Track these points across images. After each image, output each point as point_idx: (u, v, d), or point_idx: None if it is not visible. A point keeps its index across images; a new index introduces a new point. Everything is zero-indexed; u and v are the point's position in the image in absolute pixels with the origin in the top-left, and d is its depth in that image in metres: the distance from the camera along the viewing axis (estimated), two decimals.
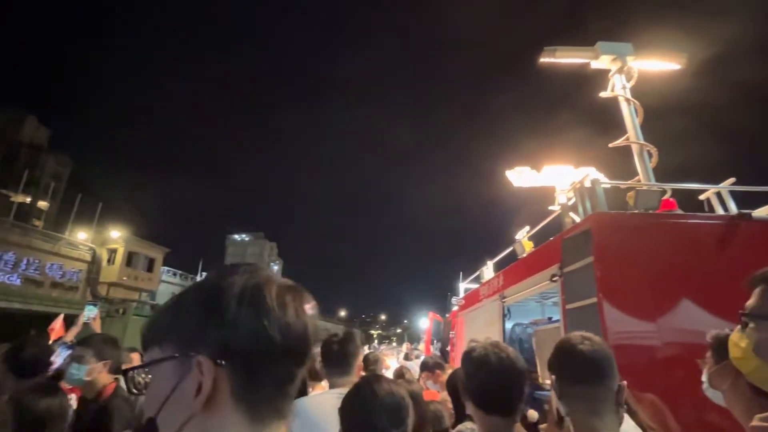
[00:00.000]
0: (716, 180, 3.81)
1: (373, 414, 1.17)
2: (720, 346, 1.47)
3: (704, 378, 1.53)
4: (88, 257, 22.69)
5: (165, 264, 30.10)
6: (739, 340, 0.88)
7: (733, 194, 3.63)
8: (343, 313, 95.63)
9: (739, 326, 0.90)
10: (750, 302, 0.87)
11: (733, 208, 3.53)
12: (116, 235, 24.59)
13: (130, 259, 24.41)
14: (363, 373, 3.91)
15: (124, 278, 23.68)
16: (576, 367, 1.23)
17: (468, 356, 1.41)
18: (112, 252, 23.98)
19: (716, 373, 1.44)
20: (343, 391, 1.83)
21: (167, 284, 32.18)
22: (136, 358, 3.52)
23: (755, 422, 0.98)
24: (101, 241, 24.11)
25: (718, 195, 3.73)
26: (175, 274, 34.22)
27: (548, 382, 2.77)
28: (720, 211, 3.63)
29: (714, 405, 1.53)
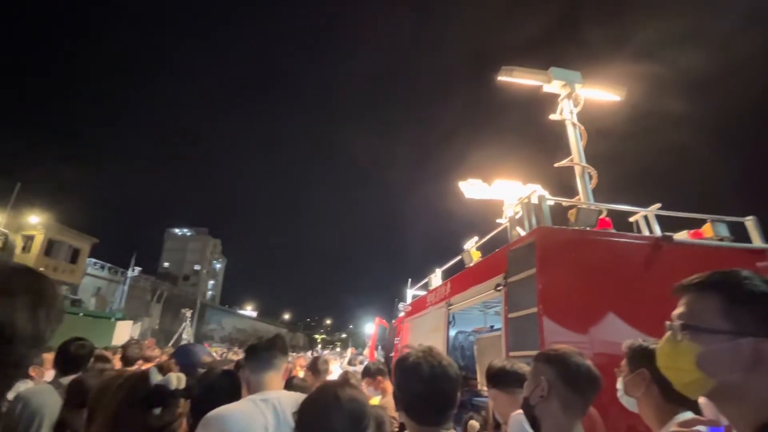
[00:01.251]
0: (645, 204, 4.18)
1: (334, 420, 1.13)
2: (634, 355, 1.54)
3: (619, 386, 1.61)
4: None
5: (92, 255, 27.58)
6: (672, 350, 0.83)
7: (658, 218, 3.99)
8: (287, 316, 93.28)
9: (668, 335, 0.86)
10: (682, 311, 0.83)
11: (657, 230, 3.88)
12: (35, 220, 22.14)
13: (50, 247, 22.05)
14: (301, 376, 3.80)
15: (41, 269, 21.32)
16: (589, 384, 1.36)
17: (400, 365, 1.38)
18: (29, 239, 21.56)
19: (630, 381, 1.53)
20: (264, 395, 1.71)
21: (93, 278, 29.46)
22: (48, 359, 3.13)
23: (674, 428, 1.05)
24: (17, 227, 21.57)
25: (646, 218, 4.08)
26: (103, 267, 31.35)
27: (486, 388, 2.84)
28: (646, 232, 3.97)
29: (632, 412, 1.64)
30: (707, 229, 3.80)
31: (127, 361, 3.97)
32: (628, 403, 1.60)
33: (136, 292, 34.50)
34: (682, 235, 3.81)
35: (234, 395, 1.89)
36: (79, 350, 2.67)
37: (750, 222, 3.85)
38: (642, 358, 1.51)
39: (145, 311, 35.17)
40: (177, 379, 1.64)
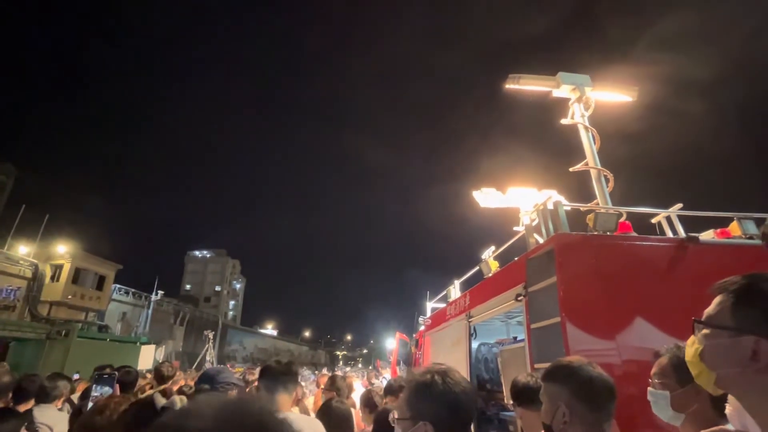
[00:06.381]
0: (665, 205, 4.07)
1: None
2: (682, 366, 1.44)
3: (651, 397, 1.48)
4: (28, 273, 20.88)
5: (117, 281, 28.24)
6: (691, 344, 0.94)
7: (681, 218, 3.87)
8: (307, 334, 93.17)
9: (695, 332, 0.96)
10: (708, 309, 0.91)
11: (681, 231, 3.77)
12: (63, 249, 22.88)
13: (77, 275, 22.66)
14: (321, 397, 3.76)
15: (69, 297, 21.90)
16: (607, 395, 1.33)
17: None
18: (57, 268, 22.22)
19: (681, 396, 1.39)
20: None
21: (118, 303, 30.13)
22: (80, 388, 3.25)
23: None
24: (46, 256, 22.31)
25: (668, 219, 3.97)
26: (127, 293, 32.08)
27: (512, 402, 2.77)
28: (670, 234, 3.86)
29: (662, 423, 1.53)
30: (734, 228, 3.67)
31: (162, 379, 4.12)
32: (673, 417, 1.45)
33: (160, 316, 35.10)
34: (708, 235, 3.69)
35: None
36: (127, 376, 2.98)
37: None
38: None
39: (168, 334, 35.69)
40: (180, 401, 1.78)
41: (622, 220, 3.73)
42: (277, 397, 1.91)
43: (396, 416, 1.28)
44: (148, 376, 4.46)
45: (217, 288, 70.46)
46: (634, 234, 3.66)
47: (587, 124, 5.32)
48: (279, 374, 1.98)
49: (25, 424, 2.47)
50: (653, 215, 4.09)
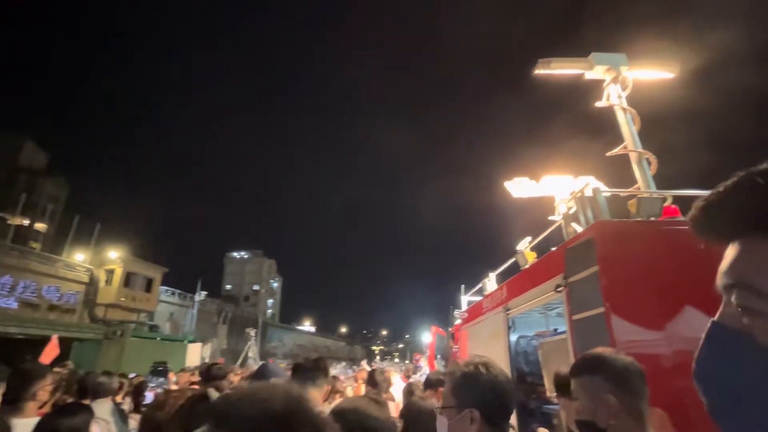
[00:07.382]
0: (715, 186, 3.81)
1: None
2: None
3: None
4: (85, 278, 22.47)
5: (163, 283, 29.83)
6: None
7: None
8: (343, 330, 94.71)
9: None
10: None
11: None
12: (114, 255, 24.43)
13: (128, 279, 24.14)
14: (362, 390, 3.80)
15: (122, 299, 23.38)
16: (642, 381, 1.29)
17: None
18: (110, 273, 23.75)
19: None
20: None
21: (166, 304, 31.82)
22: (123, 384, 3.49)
23: None
24: (99, 262, 23.92)
25: None
26: (173, 294, 33.83)
27: (555, 395, 2.71)
28: None
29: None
30: None
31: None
32: None
33: (204, 315, 36.78)
34: None
35: None
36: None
37: None
38: None
39: (212, 333, 37.33)
40: None
41: (667, 204, 3.53)
42: (308, 392, 2.05)
43: (441, 405, 1.31)
44: (196, 373, 4.71)
45: (256, 287, 72.84)
46: (682, 218, 3.46)
47: (625, 105, 5.06)
48: (309, 370, 2.10)
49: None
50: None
